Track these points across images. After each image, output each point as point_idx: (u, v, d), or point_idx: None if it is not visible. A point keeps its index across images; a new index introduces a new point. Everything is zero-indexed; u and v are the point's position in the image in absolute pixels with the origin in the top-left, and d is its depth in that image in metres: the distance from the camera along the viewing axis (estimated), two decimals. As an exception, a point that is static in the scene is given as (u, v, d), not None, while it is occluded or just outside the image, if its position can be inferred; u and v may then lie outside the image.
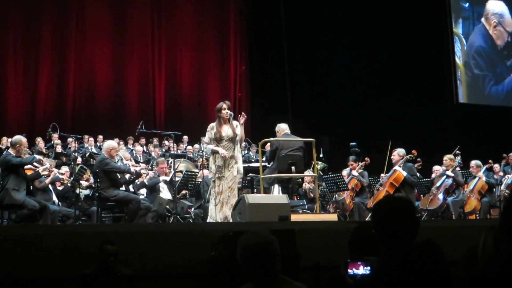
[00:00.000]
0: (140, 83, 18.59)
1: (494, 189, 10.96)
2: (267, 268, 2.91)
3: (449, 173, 10.64)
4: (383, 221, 2.37)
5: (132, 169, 9.45)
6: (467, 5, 18.59)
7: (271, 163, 9.54)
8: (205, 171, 10.27)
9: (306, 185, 11.66)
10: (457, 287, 2.31)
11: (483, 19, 18.46)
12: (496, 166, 11.78)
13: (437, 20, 17.97)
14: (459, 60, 18.09)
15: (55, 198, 9.97)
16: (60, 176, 10.01)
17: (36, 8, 17.53)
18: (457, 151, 12.46)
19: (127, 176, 9.37)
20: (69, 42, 17.82)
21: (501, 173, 11.42)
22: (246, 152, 14.02)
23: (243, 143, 8.89)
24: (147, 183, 10.37)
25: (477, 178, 10.90)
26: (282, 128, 9.73)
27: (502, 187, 10.92)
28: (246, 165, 9.25)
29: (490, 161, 11.56)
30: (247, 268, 2.93)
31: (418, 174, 10.94)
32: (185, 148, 15.79)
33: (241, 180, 9.62)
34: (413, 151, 10.43)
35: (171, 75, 18.94)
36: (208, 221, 8.37)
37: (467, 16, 18.51)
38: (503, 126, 17.27)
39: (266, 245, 2.93)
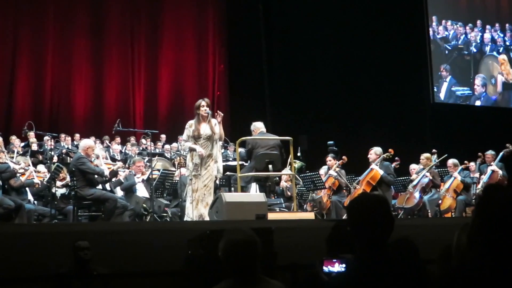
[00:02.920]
0: (118, 82, 18.45)
1: (471, 188, 11.05)
2: (248, 266, 2.92)
3: (427, 174, 10.72)
4: (358, 218, 2.38)
5: (107, 172, 9.25)
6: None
7: (248, 161, 9.54)
8: (182, 170, 10.22)
9: (283, 184, 11.65)
10: (432, 285, 2.32)
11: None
12: (472, 165, 11.87)
13: (414, 21, 18.09)
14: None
15: (30, 197, 9.88)
16: (35, 181, 9.84)
17: (12, 4, 17.34)
18: (434, 150, 12.57)
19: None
20: (47, 39, 17.64)
21: (477, 174, 11.50)
22: (223, 150, 13.97)
23: (221, 142, 8.83)
24: (123, 181, 10.27)
25: (452, 178, 11.01)
26: (258, 126, 9.65)
27: (479, 185, 11.02)
28: (224, 163, 9.21)
29: (465, 161, 11.68)
30: (228, 264, 2.93)
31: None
32: (163, 147, 15.68)
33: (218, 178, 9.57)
34: (390, 150, 10.49)
35: (150, 74, 18.81)
36: (185, 219, 8.35)
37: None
38: (479, 125, 17.43)
39: (251, 243, 2.95)
